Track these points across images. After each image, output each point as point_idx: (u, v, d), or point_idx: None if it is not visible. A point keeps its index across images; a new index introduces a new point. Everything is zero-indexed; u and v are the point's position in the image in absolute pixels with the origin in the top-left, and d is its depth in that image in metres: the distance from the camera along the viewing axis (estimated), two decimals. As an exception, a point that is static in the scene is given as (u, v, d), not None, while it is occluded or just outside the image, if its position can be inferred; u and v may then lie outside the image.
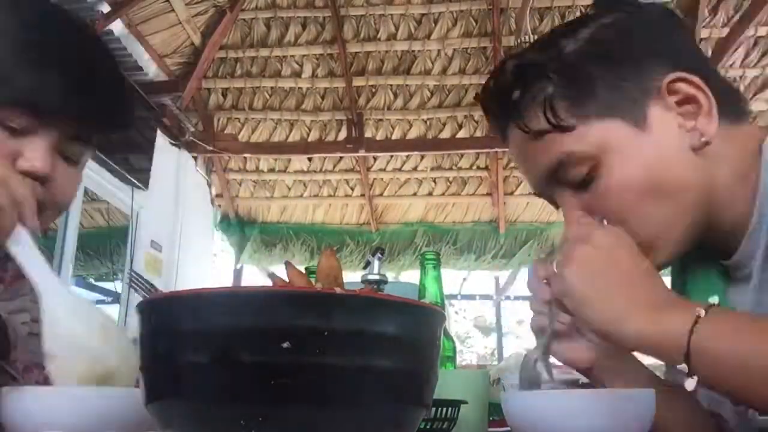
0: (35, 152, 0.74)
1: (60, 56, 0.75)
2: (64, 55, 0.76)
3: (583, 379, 0.86)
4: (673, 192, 0.69)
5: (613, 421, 0.58)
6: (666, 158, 0.69)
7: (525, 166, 0.76)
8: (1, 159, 0.72)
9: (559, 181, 0.72)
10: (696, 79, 0.69)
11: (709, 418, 0.80)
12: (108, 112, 0.81)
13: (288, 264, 0.65)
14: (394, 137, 5.01)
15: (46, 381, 0.74)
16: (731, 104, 0.73)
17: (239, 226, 5.55)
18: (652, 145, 0.69)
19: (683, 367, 0.55)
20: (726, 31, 4.15)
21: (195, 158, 5.08)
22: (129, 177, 3.91)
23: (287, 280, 0.65)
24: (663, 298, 0.60)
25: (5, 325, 0.78)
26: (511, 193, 5.24)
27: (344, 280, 0.68)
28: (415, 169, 5.23)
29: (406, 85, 4.85)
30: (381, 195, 5.42)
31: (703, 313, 0.55)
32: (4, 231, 0.65)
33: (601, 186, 0.70)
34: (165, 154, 4.50)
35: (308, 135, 5.06)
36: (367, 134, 4.97)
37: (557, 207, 0.76)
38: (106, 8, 3.57)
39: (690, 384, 0.56)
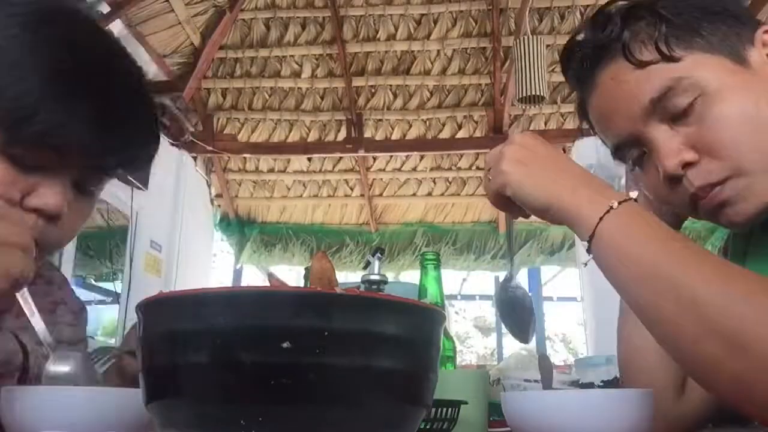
0: (51, 188, 0.69)
1: (89, 90, 0.69)
2: (93, 89, 0.69)
3: (583, 380, 0.86)
4: None
5: (614, 421, 0.58)
6: (764, 98, 0.70)
7: (618, 105, 0.76)
8: (5, 197, 0.67)
9: (658, 114, 0.73)
10: None
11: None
12: (137, 149, 0.76)
13: (270, 275, 0.64)
14: (393, 137, 5.01)
15: None
16: None
17: (239, 226, 5.55)
18: (756, 83, 0.71)
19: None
20: (725, 31, 4.15)
21: (195, 158, 5.08)
22: (129, 177, 3.91)
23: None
24: (584, 180, 0.66)
25: (24, 345, 0.78)
26: (511, 194, 5.24)
27: (344, 281, 0.67)
28: (414, 169, 5.23)
29: (406, 86, 4.85)
30: (380, 195, 5.42)
31: (616, 204, 0.61)
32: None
33: (705, 115, 0.70)
34: (165, 154, 4.48)
35: (308, 135, 5.06)
36: (367, 134, 4.97)
37: (641, 152, 0.76)
38: (106, 8, 3.58)
39: (584, 257, 0.65)
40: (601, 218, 0.61)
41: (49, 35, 0.68)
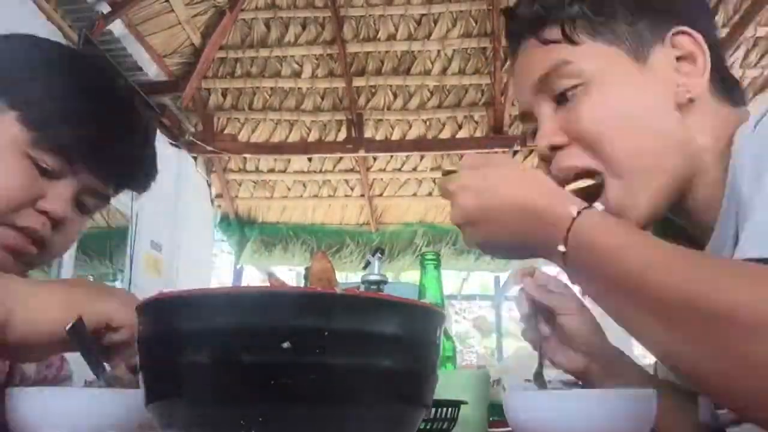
0: (59, 196, 0.79)
1: (104, 111, 0.81)
2: (107, 111, 0.82)
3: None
4: (648, 134, 0.69)
5: (613, 421, 0.58)
6: (649, 101, 0.70)
7: (521, 77, 0.78)
8: (27, 195, 0.77)
9: (546, 90, 0.74)
10: (700, 37, 0.71)
11: (698, 415, 0.80)
12: (135, 172, 0.89)
13: (270, 275, 0.65)
14: (393, 137, 5.01)
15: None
16: (726, 84, 0.74)
17: (239, 226, 5.54)
18: (641, 84, 0.70)
19: None
20: (726, 31, 4.15)
21: (195, 158, 5.08)
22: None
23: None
24: (531, 215, 0.62)
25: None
26: (511, 194, 5.23)
27: (344, 281, 0.67)
28: (414, 169, 5.23)
29: (406, 86, 4.85)
30: (381, 195, 5.42)
31: (575, 213, 0.59)
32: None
33: (581, 104, 0.71)
34: (165, 154, 4.50)
35: (308, 135, 5.06)
36: (367, 134, 4.96)
37: (535, 129, 0.77)
38: (106, 8, 3.57)
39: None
40: (568, 230, 0.59)
41: (88, 64, 0.86)
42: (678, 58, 0.71)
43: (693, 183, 0.71)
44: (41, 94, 0.78)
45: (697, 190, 0.71)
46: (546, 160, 0.74)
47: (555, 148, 0.73)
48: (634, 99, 0.70)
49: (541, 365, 0.78)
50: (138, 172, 0.89)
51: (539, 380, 0.76)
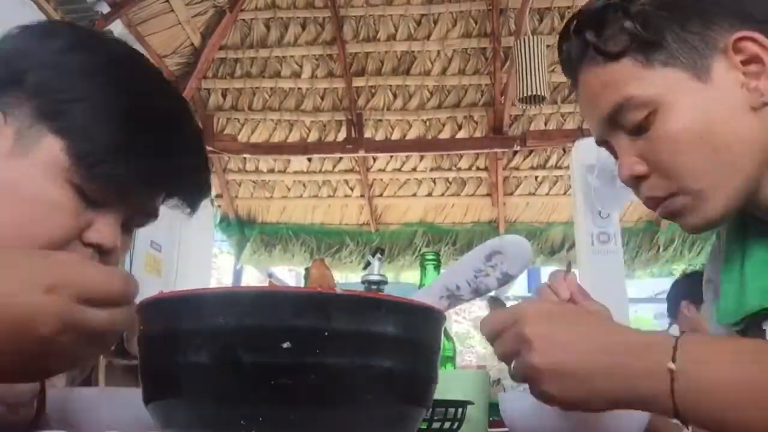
0: (108, 226, 0.71)
1: (160, 142, 0.72)
2: (164, 142, 0.72)
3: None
4: (726, 147, 0.70)
5: (609, 421, 0.58)
6: (722, 113, 0.70)
7: (590, 110, 0.78)
8: (71, 227, 0.68)
9: (618, 125, 0.74)
10: (762, 38, 0.70)
11: None
12: (194, 192, 0.81)
13: (270, 275, 0.64)
14: (393, 138, 5.01)
15: None
16: None
17: (239, 227, 5.54)
18: (711, 100, 0.70)
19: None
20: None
21: (195, 158, 5.07)
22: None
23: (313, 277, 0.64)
24: (622, 363, 0.56)
25: None
26: (511, 194, 5.24)
27: (344, 281, 0.67)
28: (414, 169, 5.22)
29: (406, 86, 4.84)
30: (380, 195, 5.41)
31: (673, 366, 0.53)
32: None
33: (656, 133, 0.71)
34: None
35: (308, 135, 5.06)
36: (367, 135, 4.96)
37: (616, 156, 0.77)
38: (105, 8, 3.57)
39: None
40: (672, 391, 0.53)
41: (131, 86, 0.71)
42: (744, 62, 0.70)
43: (765, 176, 0.72)
44: (91, 122, 0.67)
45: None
46: (631, 185, 0.76)
47: (638, 178, 0.74)
48: (704, 117, 0.70)
49: None
50: (197, 192, 0.81)
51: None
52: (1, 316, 0.45)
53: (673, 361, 0.53)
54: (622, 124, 0.74)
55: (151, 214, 0.79)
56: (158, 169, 0.72)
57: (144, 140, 0.70)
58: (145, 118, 0.70)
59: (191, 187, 0.80)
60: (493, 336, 0.61)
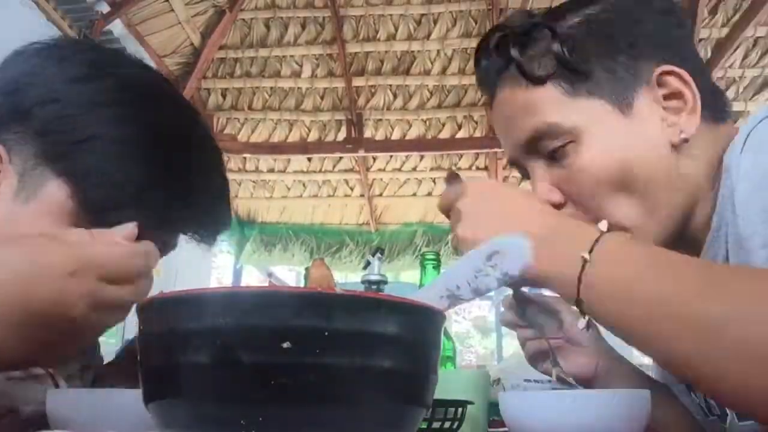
0: None
1: (173, 182, 0.67)
2: (176, 180, 0.68)
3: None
4: (644, 183, 0.68)
5: (610, 420, 0.58)
6: (642, 149, 0.68)
7: (506, 130, 0.76)
8: None
9: (534, 150, 0.72)
10: (685, 74, 0.69)
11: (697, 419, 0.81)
12: (211, 234, 0.78)
13: (270, 275, 0.64)
14: (393, 137, 5.01)
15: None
16: (715, 105, 0.72)
17: (239, 226, 5.54)
18: (632, 134, 0.68)
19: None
20: (725, 31, 4.15)
21: (194, 158, 5.07)
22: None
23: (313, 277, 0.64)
24: (551, 228, 0.61)
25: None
26: (511, 194, 5.24)
27: (344, 281, 0.68)
28: (414, 169, 5.23)
29: (406, 86, 4.84)
30: (380, 195, 5.41)
31: (587, 256, 0.55)
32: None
33: (573, 162, 0.69)
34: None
35: (308, 135, 5.06)
36: (367, 134, 4.96)
37: (528, 178, 0.76)
38: (105, 8, 3.57)
39: (581, 323, 0.59)
40: (578, 280, 0.56)
41: (150, 120, 0.67)
42: (665, 96, 0.69)
43: (692, 212, 0.70)
44: (101, 166, 0.63)
45: (695, 215, 0.70)
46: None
47: (555, 206, 0.71)
48: (623, 150, 0.68)
49: (558, 365, 0.79)
50: (217, 230, 0.78)
51: (561, 380, 0.77)
52: (32, 303, 0.48)
53: (590, 252, 0.55)
54: (538, 150, 0.72)
55: (168, 246, 0.76)
56: (177, 215, 0.69)
57: (162, 185, 0.65)
58: (164, 160, 0.66)
59: (211, 226, 0.76)
60: (444, 210, 0.69)
